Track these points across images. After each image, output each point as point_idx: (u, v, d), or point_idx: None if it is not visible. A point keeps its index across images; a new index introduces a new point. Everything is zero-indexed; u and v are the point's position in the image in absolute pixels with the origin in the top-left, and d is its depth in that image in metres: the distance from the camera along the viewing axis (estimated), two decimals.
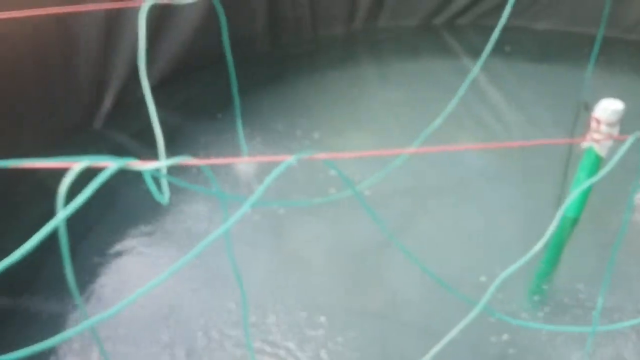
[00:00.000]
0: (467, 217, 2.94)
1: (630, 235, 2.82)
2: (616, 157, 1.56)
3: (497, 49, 3.91)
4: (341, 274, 2.62)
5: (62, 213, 1.07)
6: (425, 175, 3.20)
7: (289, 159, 1.29)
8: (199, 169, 3.08)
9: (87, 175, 1.08)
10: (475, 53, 2.96)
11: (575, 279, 2.52)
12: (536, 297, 2.48)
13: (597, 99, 2.29)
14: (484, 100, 3.86)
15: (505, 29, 2.97)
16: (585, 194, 2.18)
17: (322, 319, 2.39)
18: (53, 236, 1.11)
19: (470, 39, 4.45)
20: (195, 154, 3.11)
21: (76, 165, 1.10)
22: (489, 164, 3.30)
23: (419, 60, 4.34)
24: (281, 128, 3.47)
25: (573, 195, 1.98)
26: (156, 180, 1.98)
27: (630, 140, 1.60)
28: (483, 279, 2.49)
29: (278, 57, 4.16)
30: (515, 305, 2.43)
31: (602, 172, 1.59)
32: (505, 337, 2.30)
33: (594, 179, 1.64)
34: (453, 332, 1.43)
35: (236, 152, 3.06)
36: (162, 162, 1.18)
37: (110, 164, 1.11)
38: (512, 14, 2.91)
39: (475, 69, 2.82)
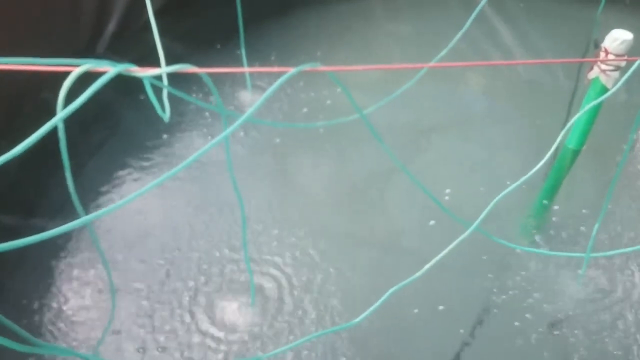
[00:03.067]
0: (470, 151, 2.95)
1: (630, 171, 2.85)
2: (622, 80, 1.55)
3: None
4: (341, 202, 2.66)
5: (62, 114, 1.08)
6: (429, 109, 3.20)
7: (292, 70, 1.29)
8: (201, 90, 3.08)
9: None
10: None
11: (573, 211, 2.55)
12: (532, 227, 2.52)
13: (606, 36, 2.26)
14: (492, 37, 3.80)
15: None
16: (588, 125, 2.16)
17: (321, 243, 2.44)
18: (56, 155, 1.12)
19: None
20: (198, 84, 3.10)
21: (76, 69, 1.10)
22: (494, 102, 3.29)
23: None
24: (286, 60, 3.43)
25: (574, 124, 1.98)
26: (158, 97, 1.98)
27: (636, 63, 1.58)
28: (482, 209, 2.51)
29: None
30: (511, 233, 2.47)
31: (603, 97, 1.58)
32: (499, 264, 2.35)
33: (591, 105, 1.63)
34: (445, 251, 1.46)
35: (240, 83, 3.05)
36: (162, 69, 1.18)
37: (109, 69, 1.11)
38: None
39: (482, 1, 2.76)
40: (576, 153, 2.24)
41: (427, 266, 1.45)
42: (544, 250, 2.37)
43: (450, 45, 2.73)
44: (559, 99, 3.19)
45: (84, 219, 1.10)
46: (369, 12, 4.00)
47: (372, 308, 1.46)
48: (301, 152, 2.88)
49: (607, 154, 2.83)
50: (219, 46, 3.40)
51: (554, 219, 2.53)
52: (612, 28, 2.60)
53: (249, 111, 1.16)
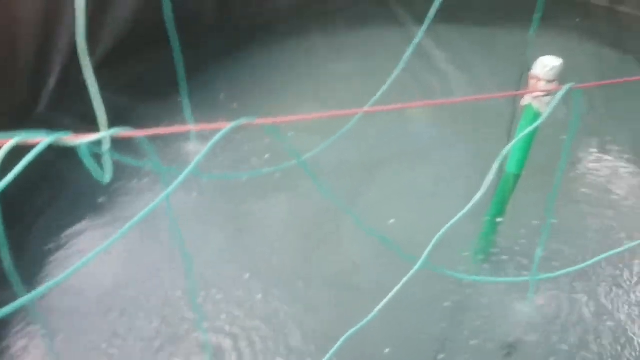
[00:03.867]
0: (418, 181, 3.01)
1: (570, 187, 2.94)
2: (549, 108, 1.62)
3: (445, 15, 3.97)
4: (295, 244, 2.66)
5: None
6: (377, 143, 3.25)
7: (229, 125, 1.30)
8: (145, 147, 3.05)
9: None
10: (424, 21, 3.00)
11: (519, 234, 2.62)
12: (482, 253, 2.57)
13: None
14: (431, 66, 3.92)
15: None
16: (525, 150, 2.23)
17: (278, 289, 2.43)
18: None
19: (419, 7, 4.47)
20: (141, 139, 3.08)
21: (8, 142, 1.09)
22: (438, 130, 3.37)
23: (369, 29, 4.34)
24: (233, 104, 3.45)
25: (509, 150, 2.04)
26: (98, 158, 1.96)
27: (563, 90, 1.66)
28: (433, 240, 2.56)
29: (228, 31, 4.11)
30: (461, 262, 2.51)
31: (536, 124, 1.65)
32: (451, 293, 2.39)
33: (526, 132, 1.69)
34: (396, 289, 1.48)
35: (185, 133, 3.05)
36: (96, 135, 1.17)
37: (42, 139, 1.10)
38: None
39: (419, 34, 2.85)
40: (517, 177, 2.30)
41: (377, 307, 1.47)
42: (490, 278, 2.41)
43: (389, 81, 2.81)
44: (500, 123, 3.28)
45: (24, 300, 1.08)
46: (313, 51, 4.07)
47: (326, 357, 1.46)
48: (253, 197, 2.88)
49: (550, 175, 2.91)
50: (163, 95, 3.38)
51: (502, 243, 2.59)
52: (545, 47, 2.72)
53: (185, 171, 1.17)
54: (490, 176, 1.57)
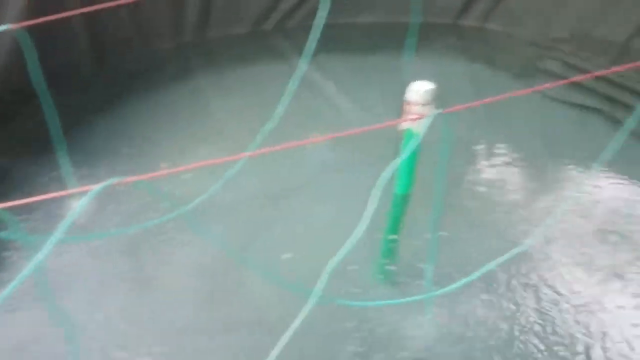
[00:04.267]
0: (317, 211, 3.02)
1: (457, 200, 3.07)
2: (420, 135, 1.69)
3: (328, 47, 4.08)
4: (200, 295, 2.59)
5: None
6: (274, 177, 3.24)
7: (96, 187, 1.26)
8: (23, 211, 2.89)
9: None
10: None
11: (416, 253, 2.69)
12: (382, 277, 2.62)
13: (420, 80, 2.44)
14: (320, 96, 4.00)
15: (331, 26, 3.10)
16: (410, 172, 2.33)
17: (184, 345, 2.35)
18: None
19: (300, 39, 4.56)
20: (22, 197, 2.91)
21: None
22: (332, 157, 3.42)
23: (254, 65, 4.38)
24: (121, 154, 3.34)
25: (399, 172, 2.11)
26: None
27: (431, 116, 1.74)
28: (339, 268, 2.58)
29: (107, 79, 4.01)
30: (363, 288, 2.54)
31: (408, 149, 1.71)
32: (354, 322, 2.40)
33: (403, 157, 1.76)
34: (295, 324, 1.48)
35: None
36: None
37: None
38: (335, 12, 3.06)
39: (302, 66, 2.91)
40: (405, 197, 2.38)
41: (277, 347, 1.45)
42: (387, 301, 2.45)
43: (277, 114, 2.83)
44: (391, 146, 3.39)
45: None
46: (199, 91, 4.04)
47: None
48: (149, 252, 2.77)
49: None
50: (42, 153, 3.21)
51: (401, 262, 2.65)
52: (423, 70, 2.84)
53: (49, 242, 1.11)
54: (372, 205, 1.61)
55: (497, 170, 3.36)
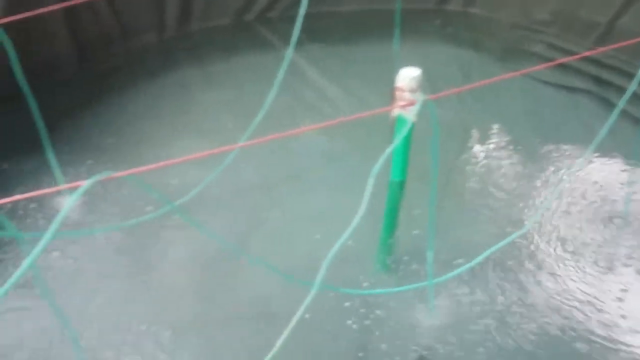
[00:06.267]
0: (312, 200, 3.02)
1: (454, 186, 3.07)
2: (411, 119, 1.66)
3: (312, 36, 4.03)
4: (198, 286, 2.57)
5: None
6: (266, 166, 3.23)
7: (86, 183, 1.22)
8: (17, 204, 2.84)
9: None
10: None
11: (416, 239, 2.68)
12: (382, 265, 2.61)
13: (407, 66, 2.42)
14: (308, 85, 3.96)
15: (313, 15, 3.06)
16: (404, 157, 2.30)
17: (186, 338, 2.33)
18: None
19: (284, 29, 4.52)
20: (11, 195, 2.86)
21: None
22: (326, 146, 3.40)
23: (239, 56, 4.32)
24: (107, 151, 3.30)
25: (392, 158, 2.09)
26: None
27: (418, 103, 1.72)
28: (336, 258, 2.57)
29: (90, 76, 3.92)
30: (363, 277, 2.53)
31: (401, 135, 1.69)
32: (356, 311, 2.40)
33: (396, 143, 1.74)
34: (296, 317, 1.46)
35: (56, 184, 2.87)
36: None
37: None
38: (318, 1, 3.02)
39: (288, 54, 2.87)
40: (401, 184, 2.36)
41: (280, 340, 1.42)
42: (388, 289, 2.44)
43: (266, 104, 2.80)
44: (383, 133, 3.37)
45: None
46: (185, 84, 3.99)
47: None
48: (146, 246, 2.75)
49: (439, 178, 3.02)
50: (27, 151, 3.16)
51: (400, 250, 2.64)
52: (412, 56, 2.82)
53: (43, 239, 1.08)
54: (368, 192, 1.59)
55: (490, 154, 3.35)
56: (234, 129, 3.42)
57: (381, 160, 1.65)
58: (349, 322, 2.37)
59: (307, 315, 1.64)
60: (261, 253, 2.68)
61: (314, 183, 3.15)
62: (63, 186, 1.21)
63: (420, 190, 2.77)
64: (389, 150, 1.74)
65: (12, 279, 1.09)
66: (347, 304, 2.42)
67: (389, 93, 2.50)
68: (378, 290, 2.42)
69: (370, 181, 1.55)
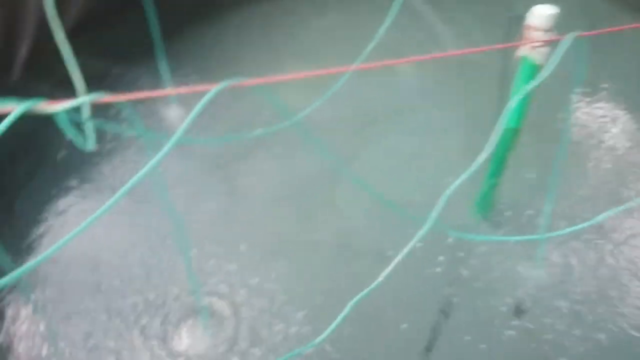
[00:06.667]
0: (410, 139, 2.94)
1: (574, 144, 2.89)
2: (556, 57, 1.54)
3: None
4: (289, 209, 2.60)
5: None
6: (367, 102, 3.17)
7: (216, 87, 1.21)
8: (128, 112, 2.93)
9: None
10: None
11: (520, 191, 2.56)
12: (482, 213, 2.52)
13: (528, 8, 2.26)
14: (419, 22, 3.80)
15: None
16: (524, 104, 2.16)
17: (273, 255, 2.38)
18: None
19: None
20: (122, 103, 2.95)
21: None
22: (428, 86, 3.28)
23: None
24: (214, 67, 3.33)
25: (511, 105, 1.96)
26: (80, 126, 1.86)
27: (567, 39, 1.57)
28: (430, 199, 2.49)
29: None
30: (462, 222, 2.46)
31: (541, 75, 1.57)
32: (456, 255, 2.34)
33: (532, 85, 1.62)
34: (405, 250, 1.41)
35: (166, 97, 2.94)
36: (74, 101, 1.08)
37: (14, 108, 1.01)
38: None
39: None
40: (516, 132, 2.24)
41: (385, 271, 1.40)
42: (501, 237, 2.35)
43: (377, 37, 2.70)
44: (491, 76, 3.20)
45: (17, 274, 1.01)
46: (295, 9, 3.92)
47: (332, 326, 1.40)
48: (243, 162, 2.79)
49: (548, 129, 2.85)
50: (139, 61, 3.25)
51: (503, 202, 2.53)
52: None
53: (173, 137, 1.08)
54: (496, 134, 1.50)
55: (614, 109, 3.10)
56: (338, 58, 3.34)
57: (512, 104, 1.54)
58: (444, 264, 2.33)
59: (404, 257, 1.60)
60: (351, 187, 2.65)
61: (411, 122, 3.06)
62: (192, 88, 1.20)
63: (530, 139, 2.65)
64: (520, 93, 1.62)
65: (134, 179, 1.10)
66: (444, 245, 2.37)
67: (509, 35, 2.35)
68: (490, 237, 2.32)
69: (500, 123, 1.45)
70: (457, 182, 1.44)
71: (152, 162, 1.12)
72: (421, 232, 1.33)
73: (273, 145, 2.83)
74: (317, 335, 2.01)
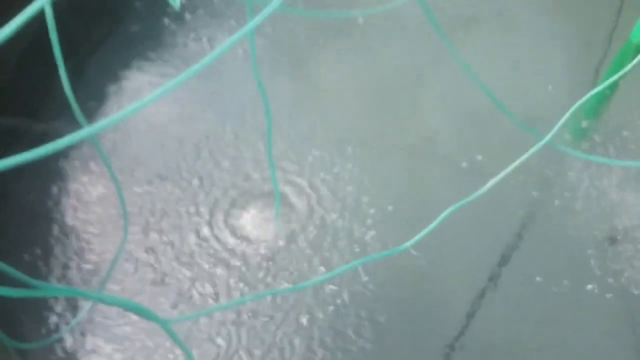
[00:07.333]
0: (514, 44, 2.69)
1: None
2: None
3: None
4: (370, 104, 2.45)
5: None
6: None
7: None
8: None
9: None
10: None
11: (631, 113, 2.32)
12: (587, 131, 2.30)
13: None
14: None
15: None
16: None
17: (349, 149, 2.26)
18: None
19: None
20: None
21: None
22: None
23: None
24: None
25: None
26: None
27: None
28: (531, 110, 2.29)
29: None
30: (561, 138, 2.26)
31: None
32: (545, 173, 2.17)
33: None
34: (514, 165, 1.25)
35: None
36: None
37: None
38: None
39: None
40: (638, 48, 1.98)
41: (490, 182, 1.24)
42: (610, 160, 2.15)
43: None
44: None
45: (86, 132, 0.90)
46: None
47: (426, 230, 1.27)
48: (328, 48, 2.61)
49: None
50: None
51: (610, 122, 2.30)
52: None
53: (267, 9, 0.92)
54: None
55: None
56: None
57: None
58: (535, 185, 2.17)
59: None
60: (437, 89, 2.46)
61: (514, 24, 2.77)
62: None
63: None
64: None
65: (227, 43, 0.97)
66: (534, 162, 2.20)
67: None
68: (597, 158, 2.12)
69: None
70: (583, 99, 1.26)
71: (248, 26, 0.98)
72: (536, 147, 1.16)
73: (361, 33, 2.62)
74: (385, 240, 1.92)
